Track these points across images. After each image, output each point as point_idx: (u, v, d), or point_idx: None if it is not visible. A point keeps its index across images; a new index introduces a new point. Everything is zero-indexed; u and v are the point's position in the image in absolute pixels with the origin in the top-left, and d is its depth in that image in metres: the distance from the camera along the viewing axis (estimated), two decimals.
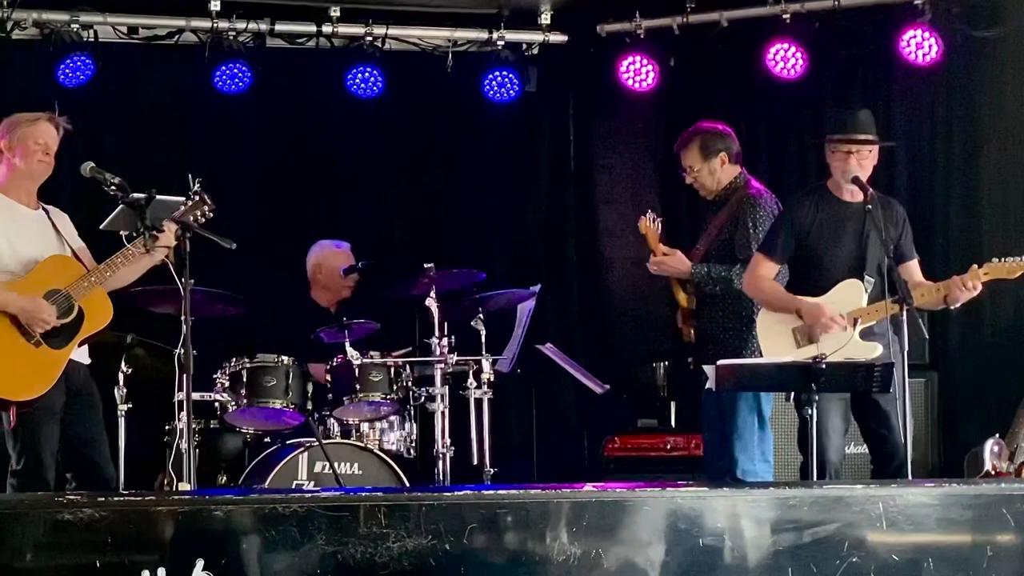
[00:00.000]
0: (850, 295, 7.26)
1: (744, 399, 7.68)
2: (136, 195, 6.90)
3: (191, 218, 6.99)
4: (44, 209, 7.19)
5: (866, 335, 7.23)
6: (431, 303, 8.18)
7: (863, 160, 7.32)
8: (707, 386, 7.19)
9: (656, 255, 8.01)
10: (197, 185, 7.15)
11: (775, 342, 7.37)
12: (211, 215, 7.10)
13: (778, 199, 7.92)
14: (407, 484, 7.88)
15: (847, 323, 7.19)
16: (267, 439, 8.24)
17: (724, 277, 7.81)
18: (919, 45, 9.46)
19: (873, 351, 7.14)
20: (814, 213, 7.43)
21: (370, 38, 10.02)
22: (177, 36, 9.88)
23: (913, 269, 7.47)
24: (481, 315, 8.34)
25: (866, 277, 7.28)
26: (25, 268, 6.96)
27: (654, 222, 8.05)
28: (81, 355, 7.11)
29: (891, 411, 7.09)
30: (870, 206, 7.18)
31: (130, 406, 7.67)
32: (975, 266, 7.22)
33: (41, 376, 6.86)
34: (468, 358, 8.29)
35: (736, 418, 7.72)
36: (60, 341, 6.89)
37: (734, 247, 7.84)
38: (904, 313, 7.02)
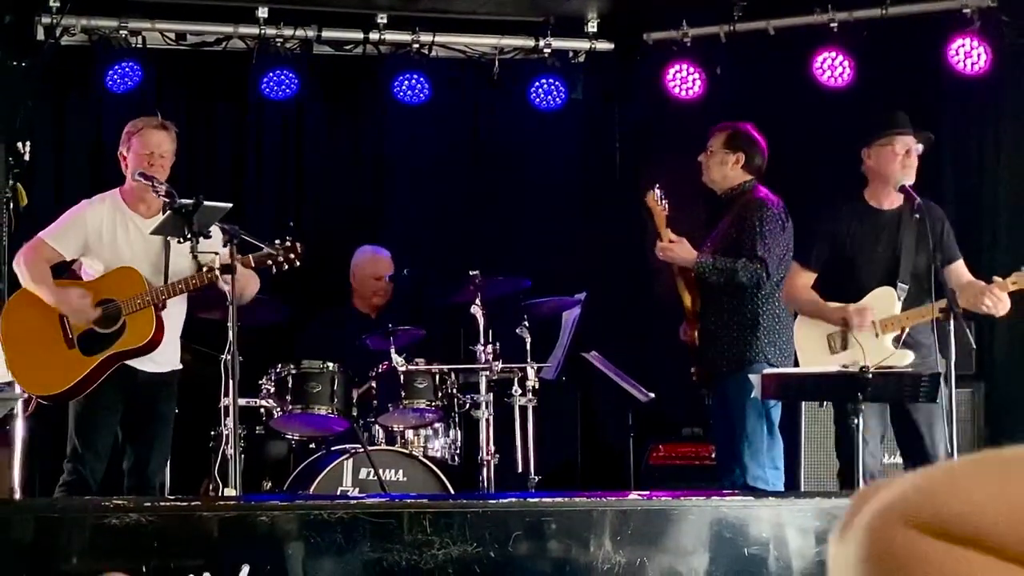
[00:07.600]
0: (883, 302, 7.22)
1: (753, 405, 7.59)
2: (183, 200, 6.91)
3: (278, 261, 6.96)
4: None
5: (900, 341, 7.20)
6: (476, 310, 8.19)
7: (908, 163, 7.29)
8: (752, 395, 7.17)
9: (663, 240, 7.89)
10: (291, 227, 7.17)
11: (811, 349, 7.35)
12: (298, 264, 7.06)
13: (784, 209, 7.84)
14: (452, 491, 7.87)
15: (879, 330, 7.16)
16: (312, 445, 8.25)
17: (730, 268, 7.62)
18: (967, 54, 9.40)
19: (904, 358, 7.10)
20: (848, 222, 7.40)
21: (417, 45, 10.03)
22: (225, 43, 9.90)
23: (960, 270, 7.40)
24: (526, 322, 8.34)
25: (899, 284, 7.24)
26: None
27: (662, 200, 7.94)
28: (145, 363, 7.11)
29: (920, 420, 7.07)
30: (918, 214, 7.15)
31: (176, 411, 7.70)
32: (997, 277, 7.15)
33: (61, 377, 6.93)
34: (513, 365, 8.28)
35: (745, 425, 7.61)
36: (94, 349, 6.94)
37: (740, 247, 7.74)
38: (952, 322, 6.96)
